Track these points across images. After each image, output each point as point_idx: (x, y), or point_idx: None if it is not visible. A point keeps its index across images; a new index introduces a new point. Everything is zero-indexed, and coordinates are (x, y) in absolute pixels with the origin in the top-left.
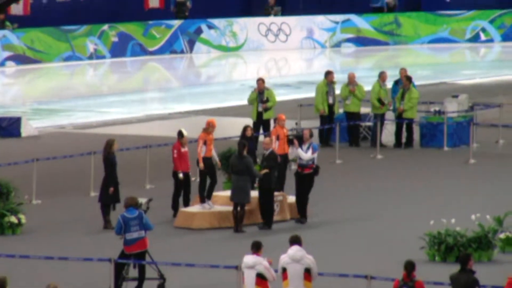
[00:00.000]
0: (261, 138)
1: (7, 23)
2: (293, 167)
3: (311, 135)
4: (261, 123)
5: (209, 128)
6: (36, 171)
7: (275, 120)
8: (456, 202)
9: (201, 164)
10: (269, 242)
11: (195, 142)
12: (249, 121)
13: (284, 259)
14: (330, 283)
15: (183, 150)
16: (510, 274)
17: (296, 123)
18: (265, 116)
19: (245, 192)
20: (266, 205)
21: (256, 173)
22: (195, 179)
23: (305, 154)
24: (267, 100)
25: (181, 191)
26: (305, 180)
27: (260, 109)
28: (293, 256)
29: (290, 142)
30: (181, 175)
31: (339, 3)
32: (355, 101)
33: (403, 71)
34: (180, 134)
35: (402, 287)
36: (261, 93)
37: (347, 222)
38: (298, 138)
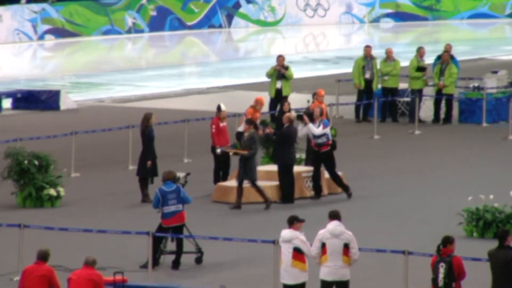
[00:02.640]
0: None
1: None
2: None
3: (321, 113)
4: (279, 99)
5: (257, 105)
6: (75, 145)
7: (313, 95)
8: (495, 178)
9: (260, 131)
10: (305, 217)
11: (232, 116)
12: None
13: (323, 234)
14: (368, 258)
15: (221, 125)
16: None
17: (308, 101)
18: (284, 92)
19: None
20: (285, 180)
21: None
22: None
23: (316, 129)
24: (287, 68)
25: (227, 164)
26: (325, 158)
27: (278, 85)
28: (333, 231)
29: (299, 118)
30: (218, 150)
31: None
32: (393, 77)
33: (448, 46)
34: (218, 108)
35: (440, 262)
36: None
37: (385, 197)
38: (309, 116)
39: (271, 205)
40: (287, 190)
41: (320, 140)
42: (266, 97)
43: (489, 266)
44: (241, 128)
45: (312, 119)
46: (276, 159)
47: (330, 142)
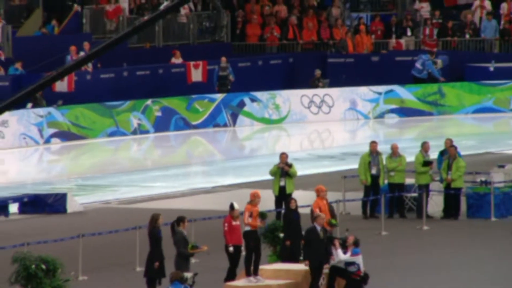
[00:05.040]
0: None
1: (44, 102)
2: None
3: (354, 242)
4: (283, 197)
5: (255, 199)
6: (82, 247)
7: (316, 191)
8: (505, 274)
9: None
10: None
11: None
12: (294, 194)
13: None
14: None
15: (234, 223)
16: None
17: (347, 230)
18: (288, 190)
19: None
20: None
21: (181, 251)
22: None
23: (343, 255)
24: (290, 166)
25: (236, 263)
26: (352, 283)
27: (282, 183)
28: None
29: (330, 241)
30: (231, 249)
31: (381, 74)
32: (399, 173)
33: (448, 141)
34: (231, 207)
35: None
36: (284, 164)
37: None
38: (342, 243)
39: None
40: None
41: (350, 269)
42: (270, 195)
43: None
44: (247, 227)
45: (345, 246)
46: (307, 258)
47: (361, 273)
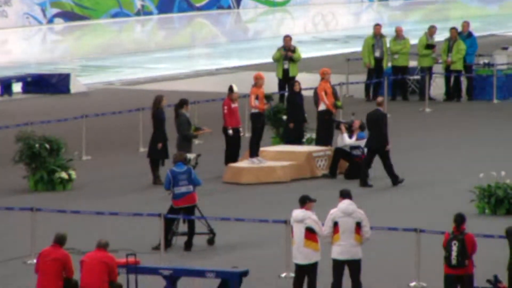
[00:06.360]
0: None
1: None
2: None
3: (360, 127)
4: (287, 80)
5: (258, 81)
6: (86, 128)
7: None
8: (506, 155)
9: (263, 106)
10: (316, 197)
11: (243, 97)
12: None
13: (335, 213)
14: (379, 236)
15: (233, 106)
16: None
17: (353, 114)
18: (291, 73)
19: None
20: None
21: (185, 133)
22: (243, 134)
23: (348, 139)
24: (294, 51)
25: (237, 145)
26: (355, 166)
27: (285, 66)
28: (345, 210)
29: (337, 127)
30: (230, 131)
31: None
32: (403, 56)
33: (465, 23)
34: (230, 89)
35: (452, 240)
36: (287, 50)
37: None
38: (348, 127)
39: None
40: (391, 172)
41: (354, 152)
42: (273, 78)
43: (508, 243)
44: (255, 110)
45: (351, 130)
46: (369, 144)
47: (364, 157)
